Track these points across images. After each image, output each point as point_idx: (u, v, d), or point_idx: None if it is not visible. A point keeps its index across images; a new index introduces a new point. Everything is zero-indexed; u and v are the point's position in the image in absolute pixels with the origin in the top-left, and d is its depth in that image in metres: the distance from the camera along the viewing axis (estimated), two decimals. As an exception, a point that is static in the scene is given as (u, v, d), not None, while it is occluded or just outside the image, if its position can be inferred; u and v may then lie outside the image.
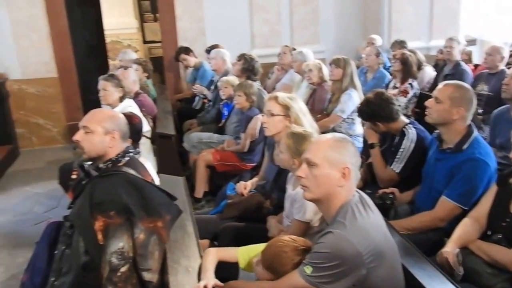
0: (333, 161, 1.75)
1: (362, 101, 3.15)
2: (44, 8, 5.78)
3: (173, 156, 3.83)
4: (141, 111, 3.80)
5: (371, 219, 1.75)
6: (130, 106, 3.80)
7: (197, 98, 5.66)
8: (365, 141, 3.16)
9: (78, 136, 2.16)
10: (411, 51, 4.98)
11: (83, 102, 6.25)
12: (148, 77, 5.36)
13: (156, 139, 3.94)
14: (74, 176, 2.50)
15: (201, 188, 4.09)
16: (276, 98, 2.81)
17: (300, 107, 2.83)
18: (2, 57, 5.80)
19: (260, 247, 1.94)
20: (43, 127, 6.16)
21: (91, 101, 6.07)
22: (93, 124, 2.14)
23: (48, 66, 5.98)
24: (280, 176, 2.73)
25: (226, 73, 4.95)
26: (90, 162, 2.23)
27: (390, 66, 5.19)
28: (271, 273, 1.83)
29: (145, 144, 3.61)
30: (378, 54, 5.14)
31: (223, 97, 4.56)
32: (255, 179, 3.15)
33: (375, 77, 5.13)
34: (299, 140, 2.38)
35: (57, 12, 5.84)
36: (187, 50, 5.92)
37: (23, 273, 2.31)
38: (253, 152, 3.97)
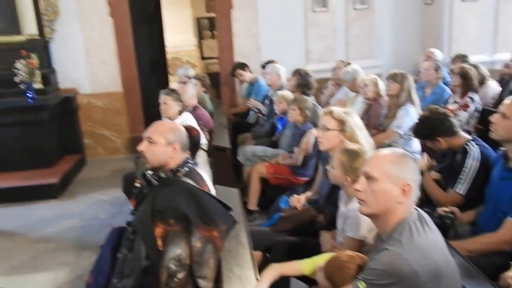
0: (394, 177, 1.71)
1: (418, 119, 3.07)
2: (113, 27, 6.19)
3: (228, 169, 3.94)
4: (198, 124, 3.96)
5: (430, 238, 1.69)
6: (188, 119, 3.97)
7: (251, 112, 5.78)
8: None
9: (142, 147, 2.29)
10: (472, 65, 4.81)
11: (144, 115, 6.57)
12: (205, 92, 5.55)
13: (212, 151, 4.07)
14: (137, 185, 2.64)
15: (254, 201, 4.16)
16: (331, 112, 2.83)
17: (356, 122, 2.83)
18: (74, 73, 6.24)
19: (324, 256, 1.98)
20: (108, 138, 6.53)
21: (151, 114, 6.39)
22: (156, 135, 2.27)
23: (114, 82, 6.37)
24: (334, 191, 2.73)
25: (280, 88, 5.02)
26: (151, 172, 2.36)
27: (449, 81, 5.05)
28: (330, 283, 1.85)
29: (201, 156, 3.74)
30: (437, 69, 5.00)
31: (277, 112, 4.63)
32: (308, 193, 3.18)
33: (434, 92, 4.99)
34: (353, 156, 2.38)
35: (124, 31, 6.23)
36: (243, 66, 6.08)
37: (88, 274, 2.46)
38: (306, 166, 3.99)
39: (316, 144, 3.73)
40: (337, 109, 2.86)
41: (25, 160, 5.48)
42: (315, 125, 3.91)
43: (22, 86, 5.48)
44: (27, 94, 5.49)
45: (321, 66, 6.30)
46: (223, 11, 6.42)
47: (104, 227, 4.30)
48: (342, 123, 2.77)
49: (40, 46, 5.77)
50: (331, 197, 2.79)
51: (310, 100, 4.18)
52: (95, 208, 4.84)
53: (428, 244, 1.67)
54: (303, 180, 3.99)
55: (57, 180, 5.26)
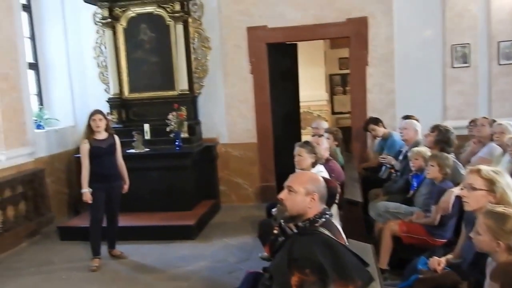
0: None
1: None
2: (252, 83, 6.70)
3: (359, 223, 3.88)
4: (331, 176, 4.01)
5: None
6: (321, 171, 4.04)
7: (383, 167, 5.65)
8: None
9: (282, 195, 2.41)
10: None
11: (275, 165, 6.83)
12: (337, 145, 5.61)
13: (343, 204, 4.06)
14: (275, 232, 2.75)
15: (385, 259, 3.99)
16: (479, 171, 2.69)
17: (508, 182, 2.64)
18: (216, 124, 6.84)
19: None
20: (241, 186, 6.90)
21: (282, 165, 6.64)
22: (296, 185, 2.37)
23: (250, 133, 6.81)
24: (480, 257, 2.53)
25: (416, 144, 4.87)
26: (290, 220, 2.44)
27: None
28: None
29: (333, 209, 3.76)
30: None
31: (413, 168, 4.49)
32: (449, 256, 2.98)
33: None
34: (502, 219, 2.21)
35: (262, 87, 6.71)
36: (376, 121, 6.05)
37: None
38: (445, 227, 3.76)
39: (456, 204, 3.52)
40: (485, 168, 2.71)
41: (167, 202, 6.01)
42: (455, 183, 3.70)
43: (172, 135, 6.13)
44: (176, 142, 6.12)
45: (459, 123, 5.97)
46: (358, 68, 6.55)
47: (233, 270, 4.52)
48: (491, 182, 2.60)
49: (189, 100, 6.47)
50: (476, 263, 2.58)
51: (451, 157, 3.99)
52: (225, 252, 5.07)
53: None
54: (440, 241, 3.76)
55: (194, 222, 5.66)
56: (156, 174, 6.07)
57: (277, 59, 6.87)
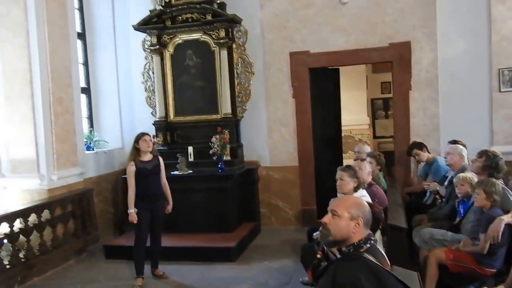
0: None
1: None
2: (294, 107, 6.78)
3: (403, 250, 3.80)
4: (373, 201, 3.96)
5: None
6: (364, 196, 4.00)
7: (428, 193, 5.54)
8: None
9: (326, 219, 2.41)
10: None
11: (316, 189, 6.81)
12: (380, 170, 5.55)
13: (387, 230, 3.99)
14: (318, 256, 2.75)
15: (431, 287, 3.88)
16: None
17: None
18: (258, 147, 6.93)
19: None
20: (282, 209, 6.92)
21: (322, 188, 6.62)
22: (341, 209, 2.37)
23: (291, 156, 6.85)
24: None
25: (462, 170, 4.76)
26: (332, 245, 2.44)
27: None
28: None
29: (376, 234, 3.71)
30: None
31: (459, 195, 4.38)
32: (501, 287, 2.87)
33: None
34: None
35: (304, 110, 6.78)
36: (420, 146, 5.95)
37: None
38: (494, 256, 3.63)
39: (506, 232, 3.41)
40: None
41: (209, 224, 6.10)
42: (505, 211, 3.59)
43: (215, 158, 6.26)
44: (218, 165, 6.24)
45: (507, 148, 5.79)
46: (401, 92, 6.51)
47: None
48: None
49: (232, 124, 6.60)
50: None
51: (499, 183, 3.87)
52: (266, 275, 5.07)
53: None
54: (490, 271, 3.62)
55: (235, 244, 5.70)
56: (199, 196, 6.19)
57: (319, 83, 6.93)
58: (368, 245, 2.32)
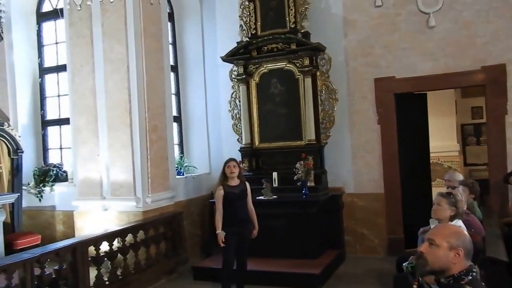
0: None
1: None
2: (379, 134, 6.70)
3: (503, 285, 3.56)
4: (469, 232, 3.76)
5: None
6: (460, 227, 3.82)
7: (530, 225, 5.13)
8: None
9: (423, 248, 2.33)
10: None
11: (403, 217, 6.58)
12: (474, 199, 5.26)
13: (485, 263, 3.76)
14: (414, 287, 2.67)
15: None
16: None
17: None
18: (342, 173, 6.90)
19: None
20: (367, 237, 6.76)
21: (410, 217, 6.38)
22: (439, 238, 2.28)
23: (376, 183, 6.73)
24: None
25: None
26: (429, 275, 2.36)
27: None
28: None
29: (472, 267, 3.51)
30: None
31: None
32: None
33: None
34: None
35: (390, 137, 6.66)
36: (519, 173, 5.57)
37: None
38: None
39: None
40: None
41: (293, 249, 6.09)
42: None
43: (299, 184, 6.30)
44: (302, 191, 6.27)
45: None
46: (495, 117, 6.18)
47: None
48: None
49: (316, 150, 6.62)
50: None
51: None
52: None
53: None
54: None
55: (319, 271, 5.64)
56: (283, 221, 6.21)
57: (405, 109, 6.77)
58: (470, 277, 2.22)
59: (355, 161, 6.84)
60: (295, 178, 6.27)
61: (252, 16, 6.84)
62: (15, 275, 4.03)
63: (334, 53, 6.77)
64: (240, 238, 5.03)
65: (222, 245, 4.93)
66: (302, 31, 6.59)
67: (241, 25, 6.96)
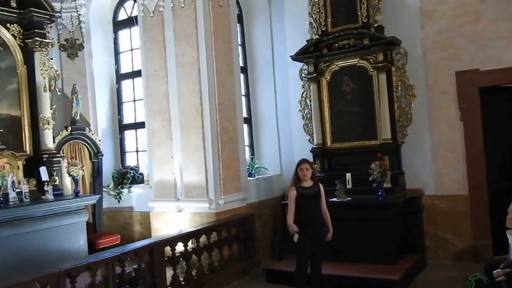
0: None
1: None
2: (462, 131, 6.24)
3: None
4: None
5: None
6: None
7: None
8: None
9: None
10: None
11: (491, 222, 6.07)
12: None
13: None
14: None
15: None
16: None
17: None
18: (421, 174, 6.52)
19: None
20: (450, 242, 6.33)
21: (498, 221, 5.85)
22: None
23: (460, 184, 6.28)
24: None
25: None
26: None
27: None
28: None
29: None
30: None
31: None
32: None
33: None
34: None
35: (474, 134, 6.19)
36: None
37: None
38: None
39: None
40: None
41: (368, 253, 5.84)
42: None
43: (374, 185, 6.03)
44: (378, 193, 6.00)
45: None
46: None
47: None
48: None
49: (392, 149, 6.33)
50: None
51: None
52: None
53: None
54: None
55: (399, 277, 5.35)
56: (358, 224, 5.98)
57: (491, 104, 6.26)
58: None
59: (435, 161, 6.43)
60: (370, 179, 6.02)
61: (322, 13, 6.71)
62: (98, 273, 4.18)
63: (410, 46, 6.44)
64: (313, 241, 4.90)
65: (295, 233, 4.77)
66: (376, 25, 6.33)
67: (310, 23, 6.85)
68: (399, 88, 6.45)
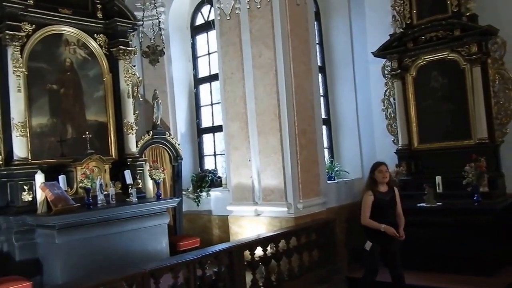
0: None
1: None
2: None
3: None
4: None
5: None
6: None
7: None
8: None
9: None
10: None
11: None
12: None
13: None
14: None
15: None
16: None
17: None
18: None
19: None
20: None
21: None
22: None
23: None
24: None
25: None
26: None
27: None
28: None
29: None
30: None
31: None
32: None
33: None
34: None
35: None
36: None
37: None
38: None
39: None
40: None
41: (462, 264, 5.38)
42: None
43: (469, 189, 5.53)
44: (473, 197, 5.48)
45: None
46: None
47: None
48: None
49: (490, 150, 5.80)
50: None
51: None
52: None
53: None
54: None
55: (502, 292, 4.82)
56: (449, 231, 5.56)
57: None
58: None
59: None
60: (464, 182, 5.55)
61: (406, 4, 6.37)
62: (180, 275, 4.19)
63: (509, 35, 5.83)
64: (387, 250, 4.62)
65: (397, 235, 4.52)
66: (468, 14, 5.86)
67: (393, 16, 6.51)
68: (497, 82, 5.90)
